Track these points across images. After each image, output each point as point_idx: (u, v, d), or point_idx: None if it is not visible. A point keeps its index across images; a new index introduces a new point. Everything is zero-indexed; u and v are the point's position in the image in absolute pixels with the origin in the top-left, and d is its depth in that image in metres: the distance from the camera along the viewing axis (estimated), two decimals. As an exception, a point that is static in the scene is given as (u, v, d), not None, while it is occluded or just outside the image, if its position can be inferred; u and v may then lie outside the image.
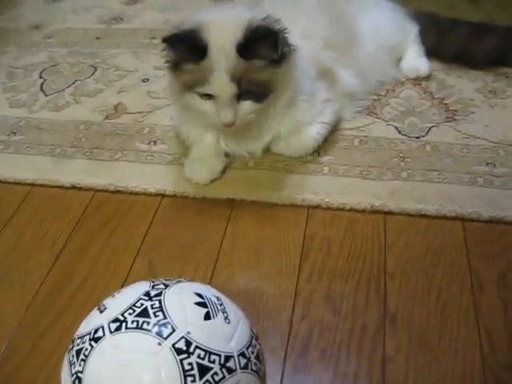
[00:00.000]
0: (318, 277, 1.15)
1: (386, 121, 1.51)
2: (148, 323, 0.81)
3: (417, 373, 0.98)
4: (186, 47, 1.21)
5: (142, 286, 0.88)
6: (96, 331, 0.82)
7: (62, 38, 2.04)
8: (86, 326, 0.86)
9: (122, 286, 1.13)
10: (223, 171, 1.37)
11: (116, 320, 0.82)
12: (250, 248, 1.22)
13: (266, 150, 1.41)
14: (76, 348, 0.83)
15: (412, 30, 1.70)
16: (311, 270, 1.16)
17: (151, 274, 1.17)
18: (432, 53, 1.70)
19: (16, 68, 1.90)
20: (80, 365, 0.81)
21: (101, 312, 0.86)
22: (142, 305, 0.83)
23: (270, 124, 1.34)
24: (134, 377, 0.78)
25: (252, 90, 1.22)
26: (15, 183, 1.43)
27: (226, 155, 1.40)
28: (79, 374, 0.80)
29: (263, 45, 1.19)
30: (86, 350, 0.81)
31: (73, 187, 1.40)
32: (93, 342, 0.81)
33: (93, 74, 1.81)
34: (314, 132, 1.38)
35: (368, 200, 1.28)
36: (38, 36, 2.08)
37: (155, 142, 1.50)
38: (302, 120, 1.36)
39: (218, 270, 1.17)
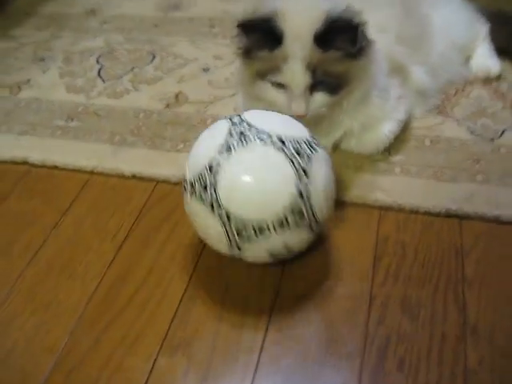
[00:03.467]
0: (393, 281, 1.09)
1: (457, 120, 1.45)
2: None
3: (502, 388, 0.93)
4: (261, 34, 1.16)
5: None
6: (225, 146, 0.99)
7: (118, 24, 2.01)
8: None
9: (189, 279, 1.11)
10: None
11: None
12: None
13: (335, 147, 1.35)
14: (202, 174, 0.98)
15: (482, 28, 1.64)
16: (385, 273, 1.11)
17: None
18: (502, 52, 1.63)
19: (72, 53, 1.86)
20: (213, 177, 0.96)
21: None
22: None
23: (341, 119, 1.29)
24: None
25: (327, 81, 1.17)
26: (74, 170, 1.39)
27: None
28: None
29: (342, 37, 1.14)
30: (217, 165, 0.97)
31: (133, 177, 1.36)
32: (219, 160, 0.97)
33: (151, 62, 1.78)
34: (386, 129, 1.33)
35: (444, 203, 1.22)
36: (94, 21, 2.05)
37: (219, 133, 1.45)
38: (375, 116, 1.30)
39: (288, 266, 1.13)
